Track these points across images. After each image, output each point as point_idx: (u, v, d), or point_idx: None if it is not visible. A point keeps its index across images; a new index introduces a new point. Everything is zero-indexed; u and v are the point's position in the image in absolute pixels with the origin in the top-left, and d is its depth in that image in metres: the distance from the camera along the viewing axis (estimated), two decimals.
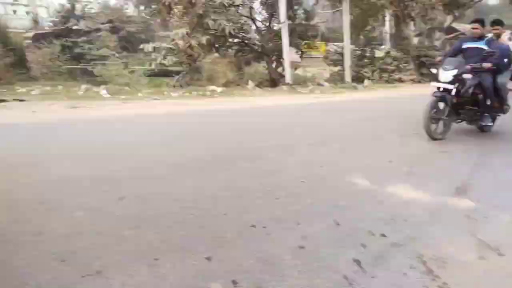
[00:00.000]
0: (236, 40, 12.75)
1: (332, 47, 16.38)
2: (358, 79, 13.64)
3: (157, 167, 3.84)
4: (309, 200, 3.02)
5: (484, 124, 5.35)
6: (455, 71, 4.73)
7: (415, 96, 10.25)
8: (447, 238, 2.48)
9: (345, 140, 5.07)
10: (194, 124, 6.42)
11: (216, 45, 12.13)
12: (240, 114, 7.51)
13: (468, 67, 4.79)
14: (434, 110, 4.81)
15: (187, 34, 10.26)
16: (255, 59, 13.37)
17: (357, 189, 3.26)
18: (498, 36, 5.54)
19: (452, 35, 15.18)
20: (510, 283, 2.08)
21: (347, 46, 12.94)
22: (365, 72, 14.50)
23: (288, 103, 8.78)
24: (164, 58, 10.92)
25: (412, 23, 16.08)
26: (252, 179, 3.48)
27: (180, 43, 10.28)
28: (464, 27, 14.24)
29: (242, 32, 12.66)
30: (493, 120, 5.43)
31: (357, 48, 14.87)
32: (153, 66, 11.40)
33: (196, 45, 10.41)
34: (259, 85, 11.84)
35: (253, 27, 13.38)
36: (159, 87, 10.81)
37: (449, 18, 15.69)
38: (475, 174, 3.88)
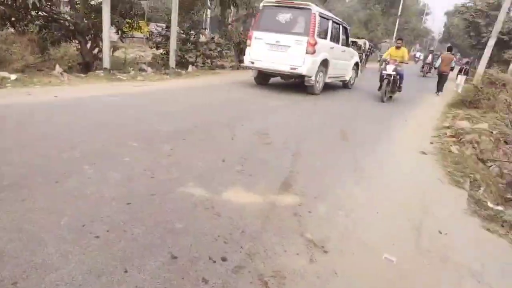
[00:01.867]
0: (41, 14, 10.56)
1: (155, 28, 15.51)
2: (181, 64, 13.36)
3: None
4: (139, 230, 2.51)
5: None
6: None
7: (236, 84, 10.82)
8: (280, 245, 2.56)
9: (174, 140, 4.68)
10: None
11: (12, 19, 9.82)
12: (30, 112, 5.43)
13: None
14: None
15: None
16: (65, 39, 11.30)
17: (193, 201, 3.06)
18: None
19: None
20: (334, 281, 2.28)
21: (174, 28, 12.36)
22: (190, 57, 14.32)
23: (104, 94, 7.29)
24: None
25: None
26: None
27: None
28: None
29: (50, 4, 10.51)
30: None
31: (182, 31, 14.42)
32: None
33: None
34: (69, 70, 10.11)
35: None
36: None
37: None
38: (296, 164, 4.26)
